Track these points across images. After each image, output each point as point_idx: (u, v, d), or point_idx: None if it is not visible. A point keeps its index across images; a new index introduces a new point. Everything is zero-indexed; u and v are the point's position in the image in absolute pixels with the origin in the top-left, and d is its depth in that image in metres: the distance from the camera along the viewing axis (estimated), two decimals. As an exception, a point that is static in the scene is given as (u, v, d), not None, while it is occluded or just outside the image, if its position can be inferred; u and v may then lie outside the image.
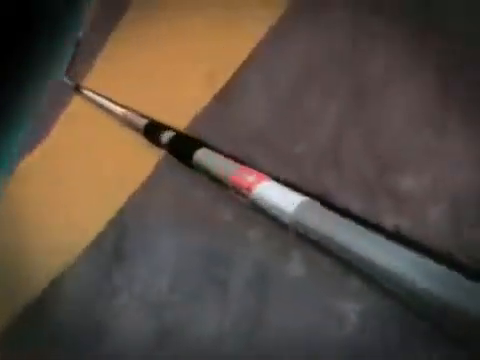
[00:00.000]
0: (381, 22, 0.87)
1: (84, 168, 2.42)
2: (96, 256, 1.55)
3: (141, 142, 1.79)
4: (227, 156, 1.10)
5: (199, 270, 0.94)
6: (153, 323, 1.01)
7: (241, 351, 0.73)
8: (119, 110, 2.10)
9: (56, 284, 1.77)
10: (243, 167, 1.01)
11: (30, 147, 4.04)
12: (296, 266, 0.71)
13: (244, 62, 1.29)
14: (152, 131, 1.63)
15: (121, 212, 1.55)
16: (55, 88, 4.70)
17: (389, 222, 0.61)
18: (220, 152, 1.13)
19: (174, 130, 1.47)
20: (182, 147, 1.34)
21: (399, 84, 0.75)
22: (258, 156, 0.99)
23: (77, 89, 3.48)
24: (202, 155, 1.18)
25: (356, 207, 0.66)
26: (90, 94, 2.83)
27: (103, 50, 3.66)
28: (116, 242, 1.46)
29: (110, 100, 2.37)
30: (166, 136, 1.46)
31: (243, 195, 0.95)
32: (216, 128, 1.27)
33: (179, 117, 1.49)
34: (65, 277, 1.73)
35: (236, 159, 1.06)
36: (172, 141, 1.41)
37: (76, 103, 3.65)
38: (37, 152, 3.90)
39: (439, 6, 0.77)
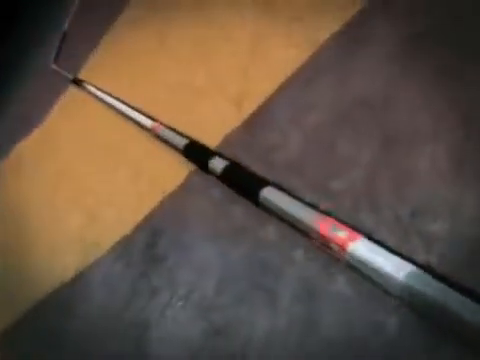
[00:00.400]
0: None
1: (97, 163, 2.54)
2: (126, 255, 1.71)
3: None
4: (296, 197, 1.09)
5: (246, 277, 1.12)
6: (201, 323, 1.19)
7: (289, 356, 0.92)
8: (147, 121, 2.10)
9: (80, 280, 1.91)
10: (329, 218, 0.97)
11: (25, 133, 4.11)
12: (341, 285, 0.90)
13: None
14: (195, 153, 1.62)
15: (152, 215, 1.71)
16: (47, 76, 4.75)
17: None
18: (287, 192, 1.13)
19: (224, 157, 1.45)
20: (243, 182, 1.31)
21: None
22: (294, 185, 1.17)
23: (77, 83, 3.54)
24: (271, 195, 1.15)
25: (391, 243, 0.86)
26: (102, 95, 2.85)
27: (98, 46, 3.75)
28: (149, 243, 1.63)
29: (130, 106, 2.39)
30: (217, 164, 1.43)
31: (329, 248, 0.92)
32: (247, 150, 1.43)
33: (209, 135, 1.64)
34: (90, 274, 1.88)
35: (312, 205, 1.05)
36: (227, 172, 1.38)
37: (71, 93, 3.73)
38: (32, 137, 3.99)
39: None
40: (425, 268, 0.76)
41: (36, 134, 3.94)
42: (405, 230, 0.85)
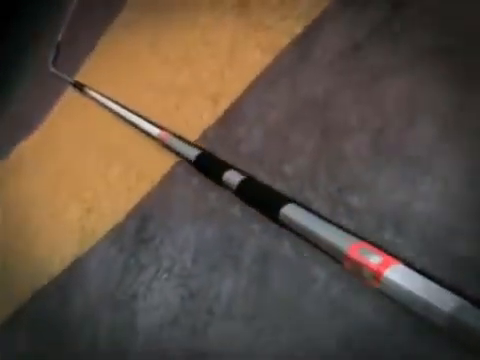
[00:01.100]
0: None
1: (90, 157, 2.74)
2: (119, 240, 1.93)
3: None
4: (319, 215, 1.06)
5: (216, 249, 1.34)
6: (180, 290, 1.41)
7: (251, 309, 1.14)
8: (154, 130, 2.06)
9: (79, 263, 2.13)
10: (359, 241, 0.94)
11: (25, 134, 4.29)
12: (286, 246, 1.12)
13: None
14: (207, 165, 1.60)
15: (141, 204, 1.92)
16: (46, 77, 4.91)
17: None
18: (309, 209, 1.11)
19: (239, 170, 1.42)
20: (261, 198, 1.26)
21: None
22: (255, 171, 1.38)
23: (79, 88, 3.59)
24: (293, 214, 1.12)
25: (324, 213, 1.07)
26: (105, 101, 2.91)
27: (96, 49, 3.93)
28: (139, 228, 1.84)
29: (136, 113, 2.41)
30: (233, 178, 1.39)
31: (360, 274, 0.89)
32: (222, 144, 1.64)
33: (190, 130, 1.84)
34: (88, 258, 2.10)
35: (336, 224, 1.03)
36: (243, 186, 1.35)
37: (70, 94, 3.91)
38: (32, 138, 4.17)
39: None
40: (472, 300, 0.75)
41: (36, 135, 4.13)
42: (334, 202, 1.07)
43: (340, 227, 1.01)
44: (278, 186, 1.25)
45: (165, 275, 1.50)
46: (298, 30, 1.59)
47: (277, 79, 1.54)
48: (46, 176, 3.26)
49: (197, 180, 1.63)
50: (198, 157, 1.64)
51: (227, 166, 1.46)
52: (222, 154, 1.57)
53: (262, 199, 1.27)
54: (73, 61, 4.23)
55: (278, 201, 1.17)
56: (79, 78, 3.83)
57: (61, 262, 2.29)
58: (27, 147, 4.18)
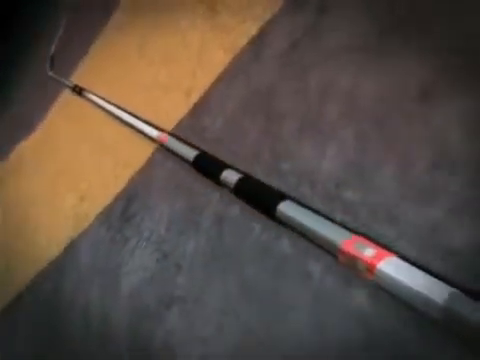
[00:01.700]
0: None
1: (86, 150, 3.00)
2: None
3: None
4: (314, 211, 1.11)
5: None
6: (156, 254, 1.68)
7: (207, 258, 1.41)
8: (153, 132, 2.13)
9: (74, 244, 2.41)
10: (354, 235, 0.96)
11: (25, 134, 4.51)
12: (235, 210, 1.39)
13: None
14: (205, 165, 1.64)
15: (127, 188, 2.20)
16: (44, 79, 5.12)
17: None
18: (304, 205, 1.16)
19: (237, 170, 1.46)
20: (258, 196, 1.30)
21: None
22: (217, 151, 1.65)
23: (78, 92, 3.71)
24: (289, 210, 1.16)
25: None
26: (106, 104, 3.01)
27: (89, 52, 4.15)
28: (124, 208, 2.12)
29: (134, 115, 2.50)
30: (230, 177, 1.43)
31: (355, 267, 0.91)
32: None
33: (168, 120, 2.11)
34: (81, 238, 2.37)
35: (332, 219, 1.07)
36: (241, 185, 1.38)
37: (68, 95, 4.13)
38: (32, 138, 4.39)
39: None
40: (465, 290, 0.77)
41: (35, 135, 4.33)
42: (271, 170, 1.34)
43: (335, 222, 1.06)
44: (231, 162, 1.52)
45: (144, 243, 1.77)
46: (254, 31, 1.86)
47: (236, 75, 1.81)
48: (45, 175, 3.49)
49: (171, 163, 1.90)
50: (196, 158, 1.69)
51: (224, 166, 1.50)
52: (192, 140, 1.85)
53: (258, 197, 1.31)
54: (69, 64, 4.42)
55: (274, 199, 1.21)
56: (75, 79, 4.02)
57: (58, 246, 2.56)
58: (27, 147, 4.38)
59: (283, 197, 1.19)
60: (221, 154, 1.61)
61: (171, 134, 1.99)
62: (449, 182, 0.95)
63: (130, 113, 2.49)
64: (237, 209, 1.40)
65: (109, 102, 2.88)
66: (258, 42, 1.79)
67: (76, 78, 4.06)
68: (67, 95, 4.08)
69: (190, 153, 1.72)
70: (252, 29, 1.88)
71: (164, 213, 1.75)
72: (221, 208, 1.46)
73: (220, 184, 1.48)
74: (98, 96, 3.14)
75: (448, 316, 0.75)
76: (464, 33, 1.09)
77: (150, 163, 2.11)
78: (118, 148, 2.61)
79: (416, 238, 0.93)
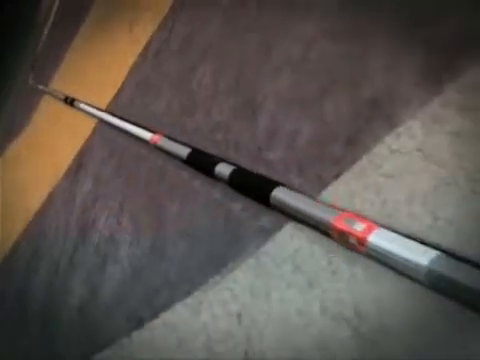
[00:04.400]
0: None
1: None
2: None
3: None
4: (307, 195, 1.12)
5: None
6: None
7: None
8: (147, 135, 2.18)
9: (50, 196, 3.22)
10: (345, 212, 0.99)
11: (15, 133, 5.54)
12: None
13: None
14: (199, 161, 1.65)
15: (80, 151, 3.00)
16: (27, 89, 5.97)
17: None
18: (297, 191, 1.17)
19: (229, 162, 1.47)
20: (252, 185, 1.31)
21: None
22: (161, 125, 2.19)
23: (69, 103, 4.06)
24: (283, 195, 1.17)
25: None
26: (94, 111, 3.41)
27: (64, 60, 5.05)
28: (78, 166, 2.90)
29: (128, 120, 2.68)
30: (224, 170, 1.43)
31: (347, 241, 0.93)
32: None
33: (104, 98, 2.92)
34: (55, 190, 3.18)
35: (324, 202, 1.09)
36: (235, 177, 1.39)
37: (47, 102, 4.99)
38: (21, 137, 5.42)
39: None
40: (447, 252, 0.80)
41: (24, 134, 5.37)
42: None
43: (324, 204, 1.09)
44: (146, 123, 2.25)
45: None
46: (156, 25, 2.63)
47: (143, 62, 2.64)
48: (35, 163, 4.38)
49: (107, 130, 2.69)
50: (189, 155, 1.73)
51: (217, 160, 1.52)
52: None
53: (252, 186, 1.33)
54: (47, 72, 5.42)
55: (267, 186, 1.23)
56: (53, 84, 4.99)
57: (40, 199, 3.38)
58: (18, 144, 5.40)
59: (275, 184, 1.23)
60: (167, 125, 2.14)
61: (163, 134, 2.10)
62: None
63: (122, 118, 2.64)
64: (187, 175, 1.72)
65: (101, 110, 3.23)
66: (158, 35, 2.61)
67: (55, 83, 5.00)
68: (46, 102, 4.99)
69: (183, 151, 1.79)
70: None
71: (106, 169, 2.50)
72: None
73: (215, 178, 1.51)
74: (90, 105, 3.50)
75: (433, 277, 0.80)
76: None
77: (95, 132, 2.97)
78: (82, 132, 3.34)
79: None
